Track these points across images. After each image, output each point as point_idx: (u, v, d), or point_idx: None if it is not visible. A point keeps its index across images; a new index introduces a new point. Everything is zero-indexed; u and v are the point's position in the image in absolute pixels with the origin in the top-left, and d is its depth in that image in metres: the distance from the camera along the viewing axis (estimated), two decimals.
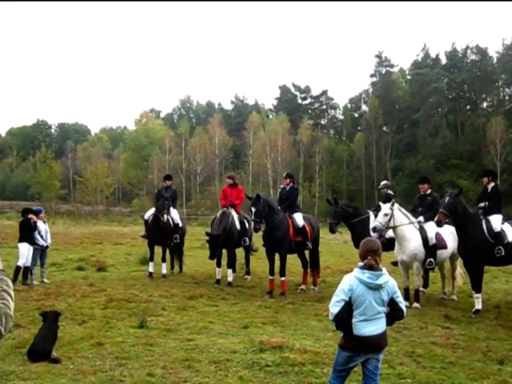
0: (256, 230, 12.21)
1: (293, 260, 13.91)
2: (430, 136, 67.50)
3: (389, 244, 11.35)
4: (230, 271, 13.46)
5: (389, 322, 4.97)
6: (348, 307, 4.76)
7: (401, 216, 11.21)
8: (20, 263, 12.75)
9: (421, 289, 11.80)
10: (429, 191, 12.12)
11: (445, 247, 11.39)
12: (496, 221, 10.49)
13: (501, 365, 7.04)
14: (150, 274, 14.14)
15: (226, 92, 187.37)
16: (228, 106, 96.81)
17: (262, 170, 69.29)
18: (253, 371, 6.48)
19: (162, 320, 9.12)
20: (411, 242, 11.09)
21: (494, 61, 69.76)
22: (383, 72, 75.92)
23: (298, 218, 12.54)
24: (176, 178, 59.32)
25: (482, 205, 10.89)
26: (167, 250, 14.92)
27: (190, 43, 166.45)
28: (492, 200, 10.79)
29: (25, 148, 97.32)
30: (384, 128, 73.00)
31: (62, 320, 8.05)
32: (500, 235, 10.38)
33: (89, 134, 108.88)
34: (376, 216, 11.73)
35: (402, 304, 4.96)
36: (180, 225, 14.97)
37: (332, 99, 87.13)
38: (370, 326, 4.78)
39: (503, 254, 10.32)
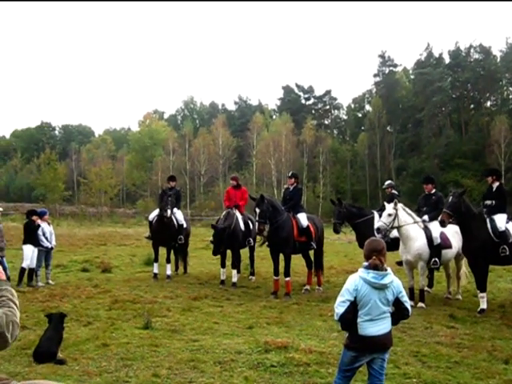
0: (260, 231, 12.21)
1: (297, 260, 13.91)
2: (434, 135, 67.37)
3: (393, 244, 11.33)
4: (234, 272, 13.47)
5: (394, 322, 4.97)
6: (353, 307, 4.76)
7: (405, 216, 11.21)
8: (25, 265, 12.79)
9: (426, 288, 11.79)
10: (433, 191, 12.11)
11: (450, 247, 11.38)
12: (500, 220, 10.46)
13: (506, 364, 7.02)
14: (155, 275, 14.16)
15: (230, 93, 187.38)
16: (231, 107, 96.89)
17: (265, 171, 69.24)
18: (258, 371, 6.49)
19: (166, 321, 9.13)
20: (416, 241, 11.08)
21: (498, 60, 69.52)
22: (386, 72, 75.80)
23: (302, 219, 12.54)
24: (180, 179, 59.39)
25: (488, 202, 10.87)
26: (172, 251, 14.94)
27: (193, 44, 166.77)
28: (497, 199, 10.77)
29: (29, 150, 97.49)
30: (388, 128, 72.88)
31: (68, 321, 8.07)
32: (504, 234, 10.36)
33: (93, 135, 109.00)
34: (381, 216, 11.72)
35: (407, 304, 4.96)
36: (184, 225, 14.99)
37: (335, 99, 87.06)
38: (375, 326, 4.78)
39: (508, 253, 10.29)
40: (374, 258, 4.80)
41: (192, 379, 6.18)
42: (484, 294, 10.44)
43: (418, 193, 20.05)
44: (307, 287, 12.94)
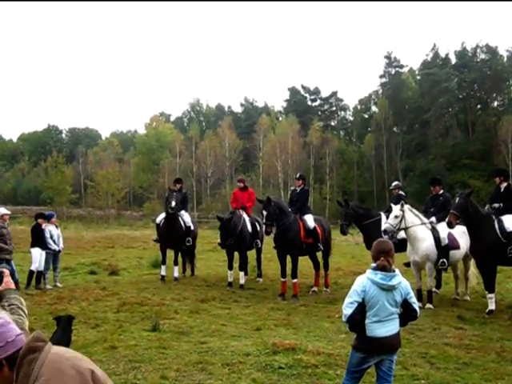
0: (267, 233, 12.23)
1: (304, 262, 13.90)
2: (441, 136, 67.17)
3: (401, 245, 11.30)
4: (241, 274, 13.47)
5: (402, 323, 4.96)
6: (361, 308, 4.76)
7: (412, 217, 11.18)
8: (33, 268, 12.85)
9: (433, 289, 11.75)
10: (441, 192, 12.08)
11: (457, 247, 11.34)
12: (508, 221, 10.41)
13: None
14: (162, 277, 14.17)
15: (236, 95, 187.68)
16: (238, 109, 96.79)
17: (272, 173, 69.18)
18: (266, 373, 6.49)
19: (174, 323, 9.14)
20: (423, 242, 11.06)
21: (505, 59, 69.25)
22: (393, 72, 75.60)
23: (309, 220, 12.54)
24: (187, 182, 59.47)
25: (496, 205, 10.82)
26: (179, 254, 14.96)
27: (199, 47, 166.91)
28: (505, 200, 10.73)
29: (36, 153, 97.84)
30: (394, 129, 72.65)
31: (76, 324, 8.08)
32: None
33: (99, 138, 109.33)
34: (388, 217, 11.70)
35: (416, 305, 4.95)
36: (192, 228, 15.00)
37: (342, 100, 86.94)
38: (384, 327, 4.77)
39: None
40: (381, 259, 4.79)
41: (200, 381, 6.19)
42: (492, 295, 10.40)
43: (425, 194, 20.01)
44: (315, 289, 12.93)
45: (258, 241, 14.16)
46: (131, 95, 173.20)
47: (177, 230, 14.22)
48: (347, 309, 4.77)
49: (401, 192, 13.93)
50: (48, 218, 13.63)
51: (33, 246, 13.07)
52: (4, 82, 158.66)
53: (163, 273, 14.27)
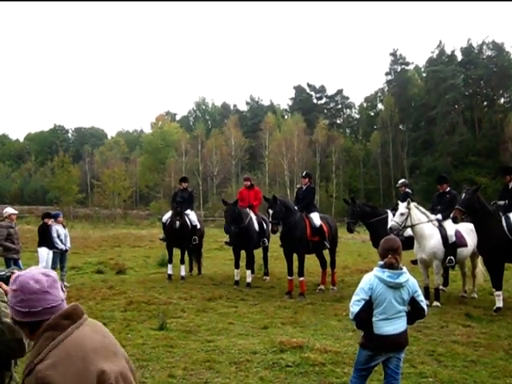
0: (274, 232, 12.24)
1: (311, 260, 13.89)
2: (447, 133, 66.90)
3: (408, 243, 11.26)
4: (248, 272, 13.48)
5: (410, 321, 4.95)
6: (368, 306, 4.75)
7: (419, 214, 11.14)
8: (40, 267, 12.86)
9: (441, 287, 11.72)
10: (448, 189, 12.03)
11: (465, 245, 11.29)
12: None
13: None
14: (169, 276, 14.20)
15: (241, 93, 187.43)
16: (243, 107, 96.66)
17: (278, 171, 69.19)
18: (273, 372, 6.49)
19: (181, 322, 9.16)
20: (430, 240, 11.02)
21: (511, 56, 68.93)
22: (398, 70, 75.36)
23: (315, 218, 12.53)
24: (193, 180, 59.57)
25: (501, 202, 10.77)
26: (186, 252, 14.98)
27: (204, 45, 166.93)
28: None
29: (43, 153, 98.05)
30: (400, 126, 72.50)
31: None
32: None
33: (105, 137, 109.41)
34: (394, 215, 11.67)
35: (423, 303, 4.94)
36: (198, 226, 15.02)
37: (347, 98, 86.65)
38: (391, 325, 4.76)
39: None
40: (389, 256, 4.77)
41: (207, 380, 6.20)
42: (500, 293, 10.36)
43: (431, 191, 19.97)
44: (321, 287, 12.92)
45: (265, 239, 14.17)
46: (137, 94, 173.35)
47: (183, 229, 14.24)
48: (354, 307, 4.76)
49: (407, 190, 13.88)
50: (55, 218, 13.67)
51: (40, 245, 13.12)
52: (10, 82, 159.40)
53: (170, 271, 14.31)
